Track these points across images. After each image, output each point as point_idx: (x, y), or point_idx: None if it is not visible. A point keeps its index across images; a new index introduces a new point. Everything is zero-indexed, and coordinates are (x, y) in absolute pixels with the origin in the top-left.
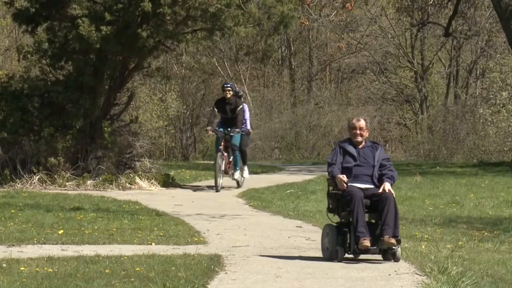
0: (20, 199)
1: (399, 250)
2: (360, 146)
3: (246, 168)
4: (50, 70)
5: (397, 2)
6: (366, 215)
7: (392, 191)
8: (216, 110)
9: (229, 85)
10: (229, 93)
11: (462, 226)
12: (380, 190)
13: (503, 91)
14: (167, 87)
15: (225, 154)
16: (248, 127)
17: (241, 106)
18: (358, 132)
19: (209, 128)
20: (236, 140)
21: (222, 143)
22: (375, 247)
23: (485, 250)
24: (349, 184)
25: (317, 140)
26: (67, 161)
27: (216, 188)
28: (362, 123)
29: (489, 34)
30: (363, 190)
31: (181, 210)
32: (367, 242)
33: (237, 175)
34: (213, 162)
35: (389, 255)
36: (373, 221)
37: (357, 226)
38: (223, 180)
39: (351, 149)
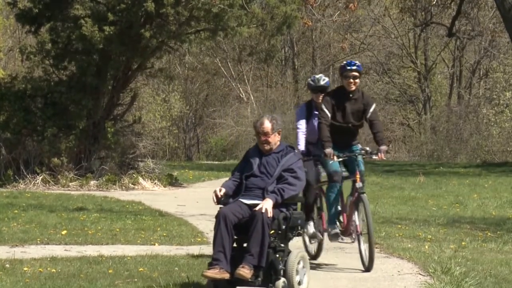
0: (23, 199)
1: (280, 282)
2: (267, 152)
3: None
4: (53, 71)
5: (400, 2)
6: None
7: (267, 211)
8: (328, 113)
9: (355, 65)
10: (355, 83)
11: (465, 227)
12: (256, 208)
13: (507, 91)
14: (170, 88)
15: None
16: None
17: (374, 106)
18: (263, 138)
19: (329, 150)
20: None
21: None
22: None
23: (488, 250)
24: (237, 199)
25: None
26: (70, 161)
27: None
28: (266, 126)
29: (492, 35)
30: (250, 207)
31: (185, 210)
32: (212, 272)
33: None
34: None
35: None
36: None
37: (213, 250)
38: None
39: (253, 157)
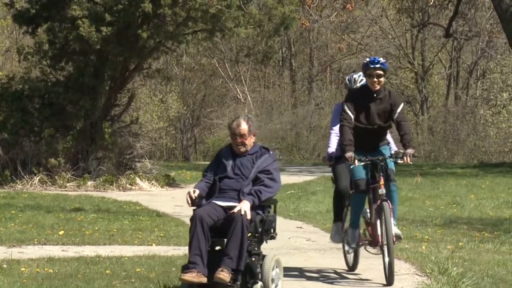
0: (20, 200)
1: (258, 286)
2: (242, 154)
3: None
4: (51, 71)
5: (397, 3)
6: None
7: (246, 213)
8: (351, 114)
9: (379, 63)
10: (379, 82)
11: (462, 227)
12: (234, 210)
13: (504, 92)
14: (167, 88)
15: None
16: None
17: (401, 106)
18: (239, 140)
19: (350, 154)
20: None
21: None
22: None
23: (485, 251)
24: (211, 201)
25: (317, 141)
26: (67, 162)
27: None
28: (243, 128)
29: (489, 35)
30: (225, 209)
31: (182, 211)
32: (189, 276)
33: (395, 229)
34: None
35: None
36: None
37: (189, 253)
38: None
39: (226, 158)
